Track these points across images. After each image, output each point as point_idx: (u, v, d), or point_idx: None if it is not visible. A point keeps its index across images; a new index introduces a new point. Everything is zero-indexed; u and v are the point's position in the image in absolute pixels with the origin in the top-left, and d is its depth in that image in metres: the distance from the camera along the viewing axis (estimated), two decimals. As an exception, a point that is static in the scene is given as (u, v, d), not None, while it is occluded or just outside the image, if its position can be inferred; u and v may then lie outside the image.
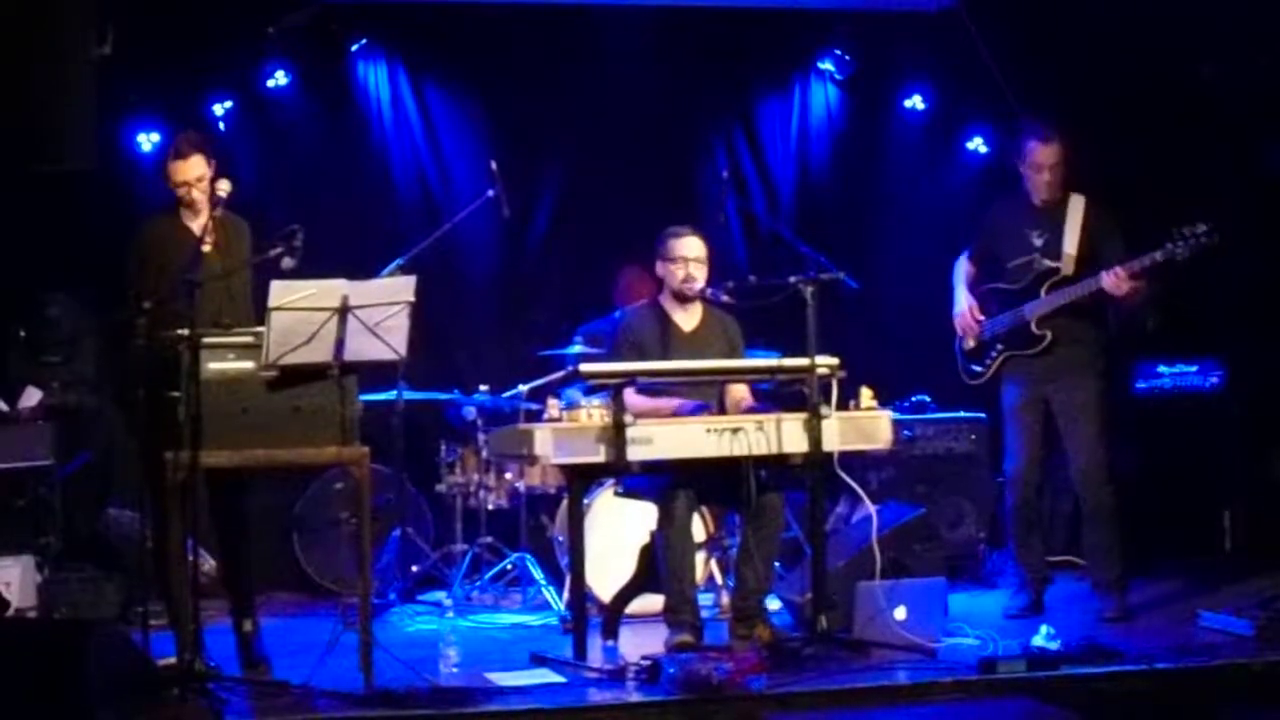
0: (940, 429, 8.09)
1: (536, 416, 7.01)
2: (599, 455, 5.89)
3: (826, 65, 9.23)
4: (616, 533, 6.84)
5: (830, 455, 6.09)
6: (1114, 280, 6.48)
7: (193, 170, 5.88)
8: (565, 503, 6.85)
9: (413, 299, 5.45)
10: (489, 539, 7.58)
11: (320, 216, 7.11)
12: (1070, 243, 6.72)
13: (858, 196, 9.29)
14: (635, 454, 5.87)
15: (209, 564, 6.84)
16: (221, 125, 8.38)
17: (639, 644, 6.12)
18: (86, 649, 4.66)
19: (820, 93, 9.35)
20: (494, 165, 7.24)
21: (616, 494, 6.78)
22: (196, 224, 5.87)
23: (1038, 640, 5.76)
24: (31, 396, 7.28)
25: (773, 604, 6.48)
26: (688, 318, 6.57)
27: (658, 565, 6.17)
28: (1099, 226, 6.73)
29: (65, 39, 6.12)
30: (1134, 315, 7.30)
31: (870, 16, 9.01)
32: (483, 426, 7.54)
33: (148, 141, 8.18)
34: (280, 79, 8.47)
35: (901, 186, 9.35)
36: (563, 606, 6.94)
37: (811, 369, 5.98)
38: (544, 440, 5.90)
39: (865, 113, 9.36)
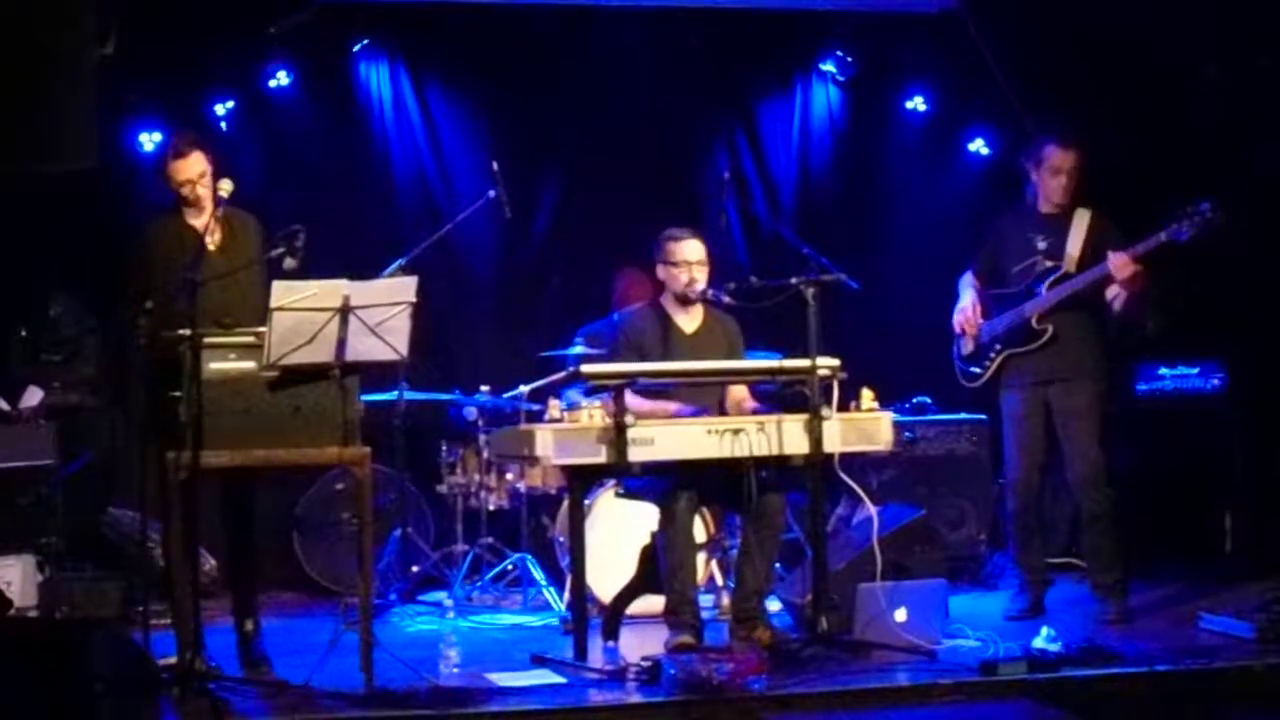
0: (941, 431, 8.09)
1: (537, 417, 7.02)
2: (600, 456, 5.88)
3: (828, 66, 9.23)
4: (617, 534, 6.84)
5: (831, 456, 6.09)
6: (1119, 262, 6.45)
7: (194, 168, 5.86)
8: (566, 503, 6.85)
9: (414, 299, 5.45)
10: (490, 539, 7.59)
11: (322, 217, 7.07)
12: (1074, 245, 6.70)
13: (859, 198, 9.30)
14: (636, 455, 5.87)
15: (209, 564, 6.85)
16: (223, 125, 8.38)
17: (639, 645, 6.12)
18: (87, 648, 4.66)
19: (822, 94, 9.35)
20: (495, 166, 7.24)
21: (617, 495, 6.79)
22: (200, 222, 5.85)
23: (1038, 642, 5.75)
24: (33, 396, 7.28)
25: (773, 605, 6.48)
26: (689, 320, 6.56)
27: (658, 566, 6.17)
28: (1103, 233, 6.70)
29: (66, 39, 6.11)
30: (1135, 318, 7.28)
31: (872, 17, 9.01)
32: (484, 427, 7.55)
33: (149, 141, 8.17)
34: (282, 79, 8.47)
35: (903, 187, 9.36)
36: (563, 607, 6.94)
37: (812, 370, 5.97)
38: (545, 441, 5.90)
39: (867, 114, 9.36)
